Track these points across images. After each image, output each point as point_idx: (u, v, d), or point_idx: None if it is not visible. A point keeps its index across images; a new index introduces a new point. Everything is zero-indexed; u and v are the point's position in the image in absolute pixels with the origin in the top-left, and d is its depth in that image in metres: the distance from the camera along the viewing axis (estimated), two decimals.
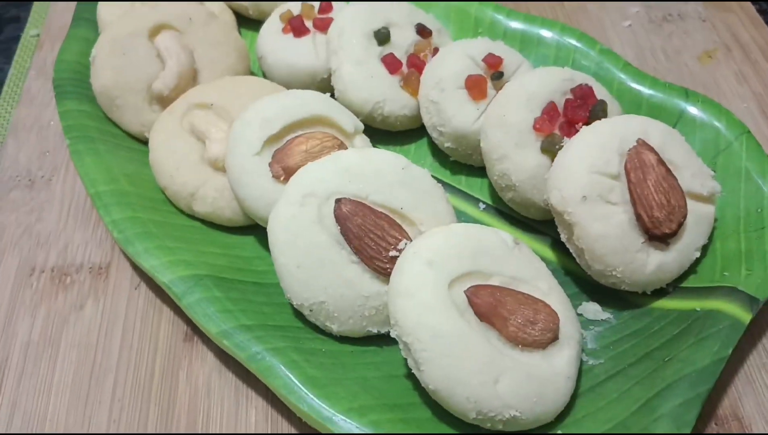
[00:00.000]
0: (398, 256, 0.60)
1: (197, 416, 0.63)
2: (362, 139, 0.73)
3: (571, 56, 0.82)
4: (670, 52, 0.91)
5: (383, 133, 0.82)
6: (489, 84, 0.75)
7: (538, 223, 0.74)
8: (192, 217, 0.74)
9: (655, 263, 0.64)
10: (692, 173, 0.66)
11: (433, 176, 0.76)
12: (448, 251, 0.58)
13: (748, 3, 0.96)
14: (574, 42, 0.83)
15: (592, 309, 0.67)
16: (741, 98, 0.85)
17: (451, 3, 0.89)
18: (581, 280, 0.69)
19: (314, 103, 0.72)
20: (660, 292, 0.67)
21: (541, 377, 0.56)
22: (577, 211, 0.62)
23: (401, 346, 0.57)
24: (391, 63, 0.79)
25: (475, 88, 0.74)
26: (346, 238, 0.62)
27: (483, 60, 0.75)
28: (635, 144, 0.64)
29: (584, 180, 0.63)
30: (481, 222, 0.75)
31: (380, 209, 0.64)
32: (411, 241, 0.62)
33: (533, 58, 0.84)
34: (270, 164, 0.68)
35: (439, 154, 0.80)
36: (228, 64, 0.83)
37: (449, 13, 0.90)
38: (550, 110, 0.69)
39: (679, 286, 0.67)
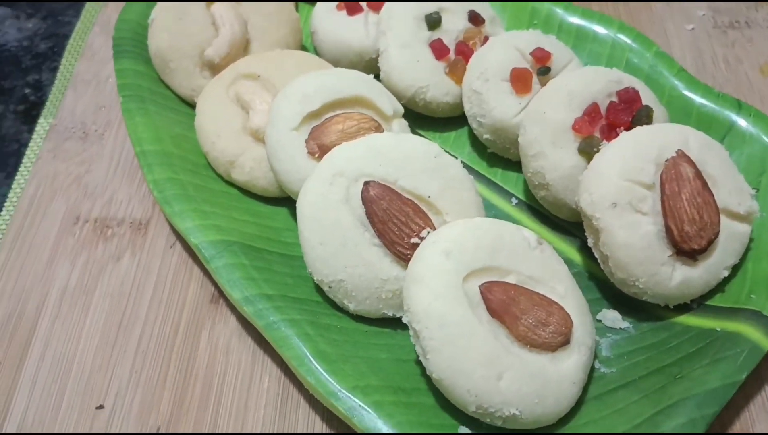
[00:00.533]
0: (419, 244, 0.61)
1: (213, 376, 0.66)
2: (400, 124, 0.74)
3: (625, 56, 0.80)
4: (731, 60, 0.88)
5: (425, 118, 0.82)
6: (534, 78, 0.74)
7: (569, 223, 0.73)
8: (230, 183, 0.76)
9: (680, 278, 0.62)
10: (730, 190, 0.64)
11: (467, 167, 0.76)
12: (467, 244, 0.59)
13: None
14: (630, 42, 0.81)
15: (611, 316, 0.66)
16: None
17: None
18: (605, 286, 0.69)
19: (356, 83, 0.73)
20: (683, 307, 0.65)
21: (545, 379, 0.56)
22: (604, 217, 0.62)
23: (411, 332, 0.58)
24: (438, 48, 0.79)
25: (519, 81, 0.73)
26: (370, 220, 0.63)
27: (531, 53, 0.74)
28: (674, 154, 0.63)
29: (616, 186, 0.62)
30: (511, 217, 0.75)
31: (407, 195, 0.64)
32: (435, 229, 0.63)
33: (586, 55, 0.82)
34: (306, 140, 0.70)
35: (477, 144, 0.80)
36: (279, 36, 0.84)
37: (505, 5, 0.88)
38: (591, 111, 0.68)
39: (703, 303, 0.65)
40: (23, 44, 1.02)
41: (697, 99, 0.75)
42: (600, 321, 0.66)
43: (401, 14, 0.79)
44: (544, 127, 0.68)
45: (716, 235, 0.62)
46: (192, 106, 0.82)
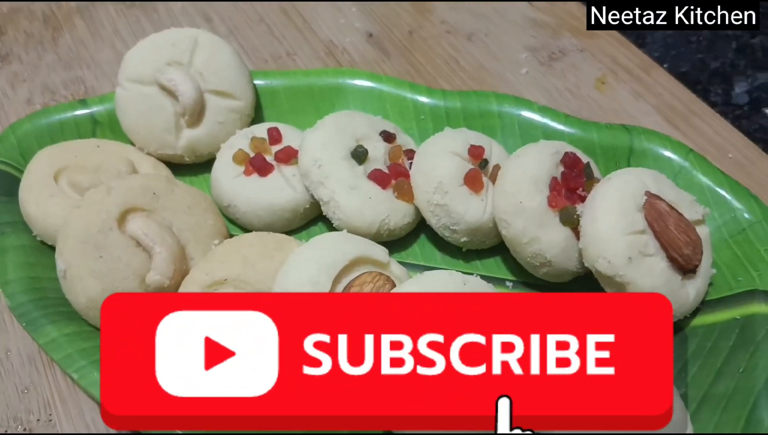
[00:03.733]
0: None
1: None
2: (396, 265, 0.73)
3: (516, 122, 0.89)
4: (571, 88, 1.01)
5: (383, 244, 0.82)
6: None
7: (568, 284, 0.80)
8: None
9: (693, 293, 0.73)
10: (687, 205, 0.76)
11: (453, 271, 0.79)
12: None
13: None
14: (512, 109, 0.89)
15: None
16: (646, 114, 0.98)
17: (384, 98, 0.91)
18: None
19: (345, 246, 0.70)
20: (693, 312, 0.76)
21: None
22: (627, 273, 0.69)
23: None
24: (380, 178, 0.79)
25: (474, 182, 0.77)
26: None
27: (468, 153, 0.79)
28: (645, 197, 0.73)
29: (624, 243, 0.69)
30: None
31: None
32: None
33: (481, 130, 0.88)
34: None
35: (445, 247, 0.82)
36: (209, 226, 0.77)
37: (386, 109, 0.91)
38: (555, 185, 0.75)
39: (705, 301, 0.77)
40: None
41: (593, 136, 0.87)
42: None
43: (330, 160, 0.78)
44: (526, 216, 0.73)
45: (702, 246, 0.74)
46: None
